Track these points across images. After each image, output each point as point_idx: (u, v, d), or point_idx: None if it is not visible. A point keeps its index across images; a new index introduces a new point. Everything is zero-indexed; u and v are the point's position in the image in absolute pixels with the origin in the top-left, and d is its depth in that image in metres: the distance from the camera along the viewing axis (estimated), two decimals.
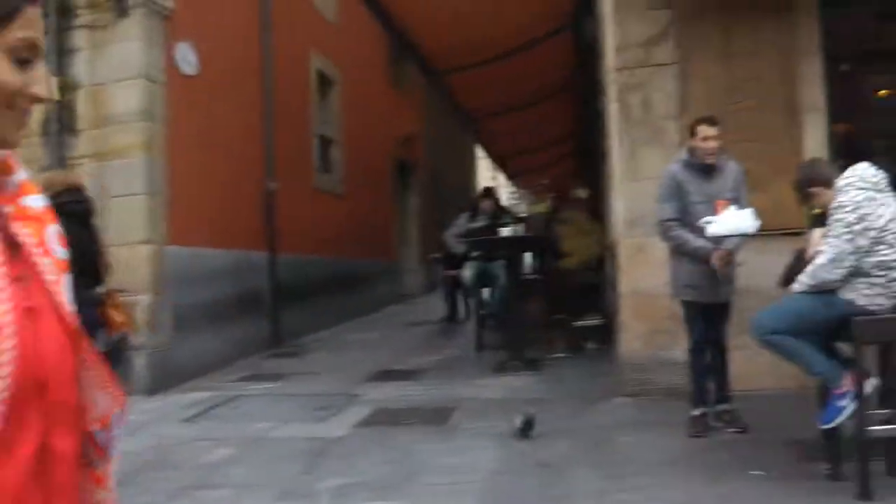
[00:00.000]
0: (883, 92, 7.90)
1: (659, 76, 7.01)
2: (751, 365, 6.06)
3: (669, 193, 5.78)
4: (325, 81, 14.42)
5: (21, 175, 1.21)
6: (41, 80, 1.15)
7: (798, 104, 6.88)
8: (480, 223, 10.58)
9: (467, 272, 10.97)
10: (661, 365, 6.89)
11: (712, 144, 5.68)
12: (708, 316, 5.82)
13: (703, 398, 5.88)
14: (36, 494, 1.08)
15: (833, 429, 4.58)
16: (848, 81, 7.43)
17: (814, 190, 4.82)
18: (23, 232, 1.16)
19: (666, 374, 6.80)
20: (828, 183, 4.73)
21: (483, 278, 10.55)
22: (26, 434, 1.06)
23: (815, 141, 6.83)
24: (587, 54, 10.27)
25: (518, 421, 5.88)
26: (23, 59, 1.12)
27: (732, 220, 5.46)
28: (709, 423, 5.84)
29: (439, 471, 5.33)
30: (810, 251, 4.74)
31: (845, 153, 6.56)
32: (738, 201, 5.62)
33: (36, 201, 1.21)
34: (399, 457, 5.67)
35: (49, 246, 1.19)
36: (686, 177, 5.75)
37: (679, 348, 6.29)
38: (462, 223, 11.06)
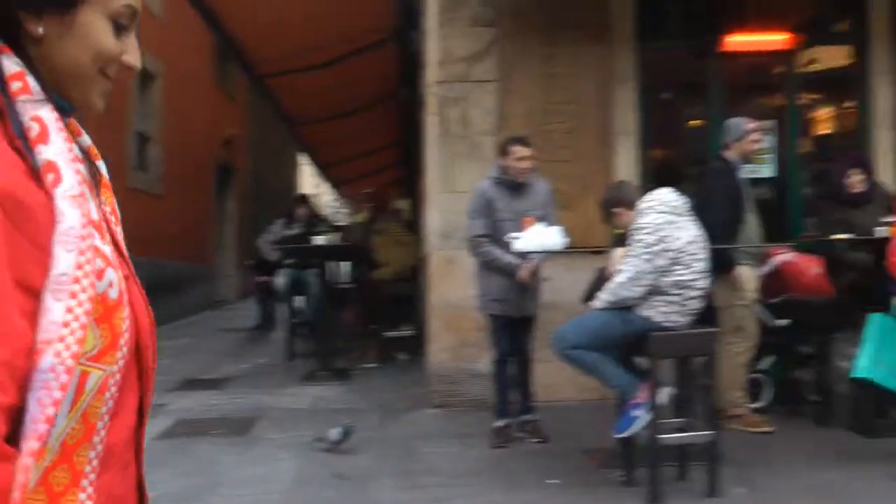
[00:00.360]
0: (693, 122, 8.29)
1: (479, 92, 7.09)
2: (554, 377, 6.18)
3: (479, 210, 5.83)
4: (146, 76, 13.89)
5: (87, 139, 1.20)
6: (134, 49, 1.15)
7: (611, 128, 7.11)
8: (295, 230, 10.40)
9: (280, 279, 10.75)
10: (468, 377, 6.94)
11: (525, 165, 5.76)
12: (513, 329, 5.90)
13: (506, 409, 5.94)
14: (132, 453, 1.15)
15: (628, 437, 4.73)
16: (660, 110, 7.76)
17: (617, 210, 4.97)
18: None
19: (472, 386, 6.86)
20: (630, 205, 4.89)
21: (296, 286, 10.36)
22: (130, 397, 1.12)
23: (625, 164, 7.07)
24: (411, 66, 10.30)
25: (335, 432, 5.75)
26: (120, 25, 1.11)
27: (538, 237, 5.55)
28: (511, 433, 5.90)
29: (240, 482, 5.17)
30: (611, 269, 4.88)
31: (659, 177, 6.83)
32: (546, 219, 5.71)
33: (103, 167, 1.22)
34: (200, 468, 5.46)
35: (118, 214, 1.21)
36: (496, 194, 5.81)
37: (485, 360, 6.35)
38: (277, 230, 10.85)
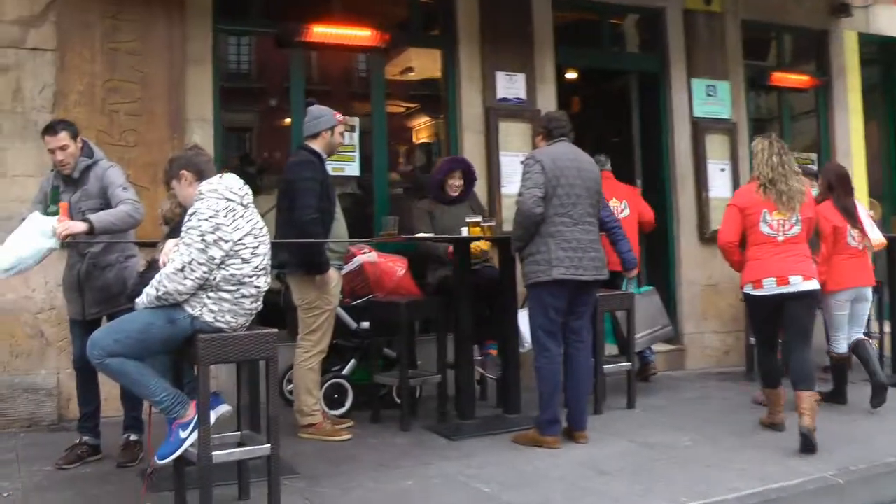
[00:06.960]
0: (275, 112, 7.83)
1: (34, 62, 5.87)
2: (110, 389, 5.13)
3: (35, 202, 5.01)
4: None
5: None
6: None
7: (185, 112, 6.23)
8: None
9: None
10: (23, 392, 5.77)
11: (60, 157, 4.85)
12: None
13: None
14: None
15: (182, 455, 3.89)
16: (239, 96, 7.08)
17: (184, 174, 4.20)
18: None
19: (28, 404, 5.73)
20: (199, 173, 4.14)
21: None
22: None
23: None
24: None
25: None
26: None
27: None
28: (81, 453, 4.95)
29: None
30: (163, 260, 4.01)
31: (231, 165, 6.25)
32: (107, 207, 4.78)
33: None
34: None
35: None
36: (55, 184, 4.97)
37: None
38: None
